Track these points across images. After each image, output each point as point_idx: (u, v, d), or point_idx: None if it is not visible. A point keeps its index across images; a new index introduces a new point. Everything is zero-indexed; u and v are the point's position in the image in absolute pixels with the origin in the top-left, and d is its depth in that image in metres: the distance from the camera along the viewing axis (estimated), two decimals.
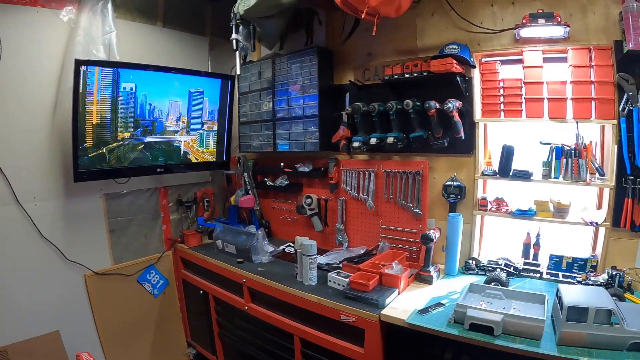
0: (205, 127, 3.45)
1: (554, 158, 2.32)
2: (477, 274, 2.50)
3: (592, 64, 2.20)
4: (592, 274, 2.21)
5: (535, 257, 2.50)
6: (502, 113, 2.47)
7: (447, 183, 2.63)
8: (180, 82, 3.23)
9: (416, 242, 2.78)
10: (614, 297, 1.79)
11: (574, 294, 1.78)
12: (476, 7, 2.51)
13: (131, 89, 2.94)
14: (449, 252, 2.53)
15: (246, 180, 3.49)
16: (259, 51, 3.50)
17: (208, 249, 3.34)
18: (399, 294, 2.28)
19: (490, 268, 2.45)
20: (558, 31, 2.25)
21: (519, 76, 2.40)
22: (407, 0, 2.23)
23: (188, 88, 3.28)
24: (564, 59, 2.31)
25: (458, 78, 2.44)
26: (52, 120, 2.81)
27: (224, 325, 3.16)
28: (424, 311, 2.05)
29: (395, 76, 2.60)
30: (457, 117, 2.44)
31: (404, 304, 2.16)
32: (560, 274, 2.32)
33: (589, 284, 2.13)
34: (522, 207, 2.41)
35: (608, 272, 2.13)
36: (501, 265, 2.45)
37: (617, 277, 2.09)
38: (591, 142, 2.27)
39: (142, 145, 3.07)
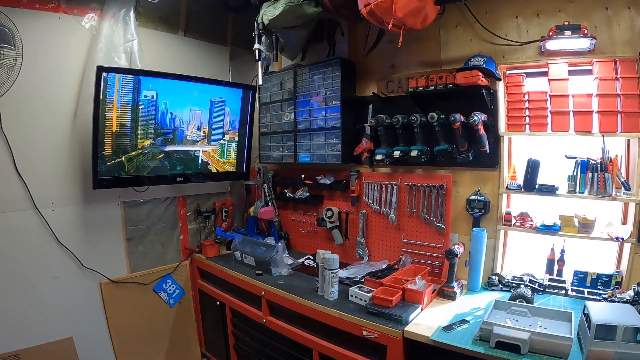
0: (226, 137, 3.46)
1: (579, 172, 2.28)
2: (500, 290, 2.45)
3: (618, 76, 2.18)
4: (617, 290, 2.16)
5: (560, 273, 2.45)
6: (527, 126, 2.44)
7: (471, 197, 2.59)
8: (202, 92, 3.24)
9: (438, 256, 2.74)
10: None
11: (601, 311, 1.75)
12: (500, 19, 2.50)
13: (152, 97, 2.95)
14: (472, 267, 2.49)
15: (266, 191, 3.48)
16: (280, 62, 3.51)
17: (226, 259, 3.33)
18: (422, 310, 2.24)
19: (514, 284, 2.41)
20: (584, 43, 2.22)
21: (544, 89, 2.38)
22: (432, 12, 2.23)
23: (209, 97, 3.29)
24: (589, 72, 2.29)
25: (483, 91, 2.43)
26: (72, 126, 2.83)
27: (240, 338, 3.13)
28: (448, 328, 2.01)
29: (420, 88, 2.59)
30: (482, 131, 2.42)
31: (427, 321, 2.12)
32: (585, 290, 2.27)
33: (614, 301, 2.08)
34: (546, 222, 2.38)
35: (634, 289, 2.07)
36: (526, 281, 2.40)
37: None
38: (616, 156, 2.24)
39: (162, 154, 3.08)
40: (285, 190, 3.59)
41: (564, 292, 2.32)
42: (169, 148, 3.11)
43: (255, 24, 2.75)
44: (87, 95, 2.75)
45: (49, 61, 2.69)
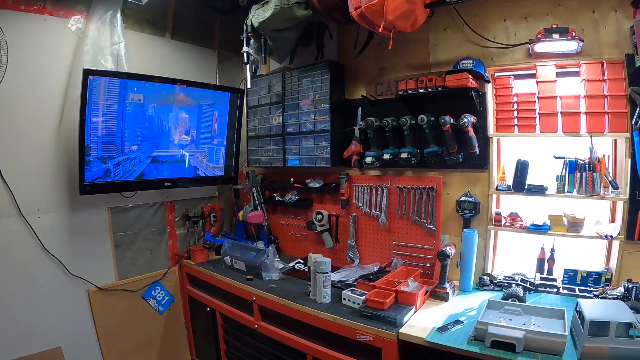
0: (214, 141, 3.43)
1: (567, 172, 2.31)
2: (492, 290, 2.47)
3: (605, 78, 2.22)
4: (608, 287, 2.20)
5: (550, 272, 2.48)
6: (516, 128, 2.47)
7: (461, 198, 2.60)
8: (189, 95, 3.20)
9: (430, 258, 2.75)
10: (632, 310, 1.79)
11: (594, 308, 1.78)
12: (489, 22, 2.52)
13: (139, 100, 2.91)
14: (463, 268, 2.51)
15: (255, 195, 3.46)
16: (268, 65, 3.49)
17: (216, 265, 3.29)
18: (415, 311, 2.24)
19: (506, 284, 2.43)
20: (572, 46, 2.27)
21: (533, 91, 2.41)
22: (422, 15, 2.25)
23: (197, 101, 3.26)
24: (577, 73, 2.33)
25: (473, 93, 2.45)
26: (58, 130, 2.78)
27: (231, 344, 3.10)
28: (442, 329, 2.01)
29: (410, 91, 2.60)
30: (472, 132, 2.43)
31: (421, 322, 2.12)
32: (576, 288, 2.31)
33: (606, 298, 2.11)
34: (536, 222, 2.40)
35: (624, 285, 2.12)
36: (517, 280, 2.42)
37: (634, 289, 2.08)
38: (604, 155, 2.27)
39: (150, 159, 3.04)
40: (274, 194, 3.57)
41: (555, 290, 2.34)
42: (156, 152, 3.07)
43: (244, 27, 2.74)
44: (73, 98, 2.70)
45: (34, 64, 2.64)
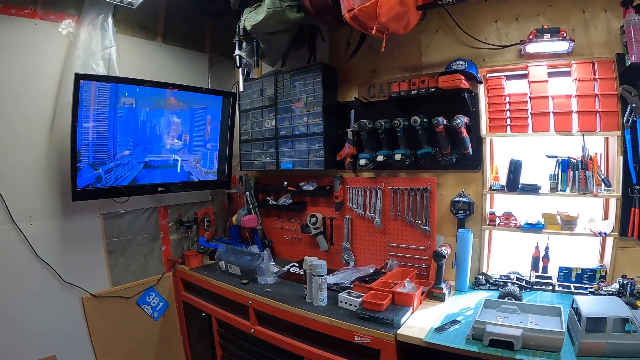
0: (207, 145, 3.41)
1: (560, 171, 2.33)
2: (488, 289, 2.48)
3: (596, 77, 2.24)
4: (603, 283, 2.22)
5: (545, 270, 2.50)
6: (508, 128, 2.48)
7: (455, 199, 2.62)
8: (182, 100, 3.19)
9: (425, 259, 2.75)
10: (627, 306, 1.80)
11: (590, 304, 1.80)
12: (480, 23, 2.54)
13: (131, 104, 2.89)
14: (459, 268, 2.51)
15: (248, 199, 3.44)
16: (260, 68, 3.48)
17: (210, 270, 3.26)
18: (412, 312, 2.24)
19: (501, 283, 2.44)
20: (563, 46, 2.29)
21: (525, 91, 2.43)
22: (415, 17, 2.26)
23: (190, 105, 3.24)
24: (568, 73, 2.36)
25: (465, 94, 2.46)
26: (50, 136, 2.75)
27: (228, 349, 3.07)
28: (440, 329, 2.01)
29: (402, 93, 2.61)
30: (465, 133, 2.45)
31: (419, 323, 2.12)
32: (572, 285, 2.33)
33: (601, 294, 2.13)
34: (530, 221, 2.42)
35: (619, 281, 2.14)
36: (513, 279, 2.44)
37: (629, 285, 2.10)
38: (596, 154, 2.30)
39: (142, 164, 3.01)
40: (268, 198, 3.56)
41: (551, 288, 2.36)
42: (149, 158, 3.05)
43: (237, 30, 2.74)
44: (65, 103, 2.68)
45: (25, 68, 2.62)
